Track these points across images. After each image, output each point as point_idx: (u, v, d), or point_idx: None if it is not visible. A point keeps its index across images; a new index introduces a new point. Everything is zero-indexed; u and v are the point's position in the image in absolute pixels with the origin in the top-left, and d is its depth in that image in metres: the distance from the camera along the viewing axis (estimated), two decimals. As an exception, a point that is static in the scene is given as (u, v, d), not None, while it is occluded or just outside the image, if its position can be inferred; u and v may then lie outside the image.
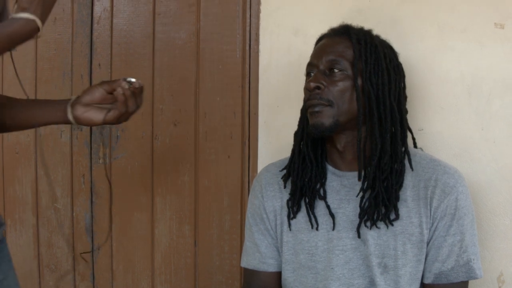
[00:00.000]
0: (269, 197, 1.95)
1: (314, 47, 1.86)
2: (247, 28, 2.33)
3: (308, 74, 1.82)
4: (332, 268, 1.81)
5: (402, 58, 1.83)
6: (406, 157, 1.79)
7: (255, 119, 2.34)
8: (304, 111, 1.85)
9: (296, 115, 1.89)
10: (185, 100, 2.43)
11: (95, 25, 2.52)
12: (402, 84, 1.83)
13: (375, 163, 1.75)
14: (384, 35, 1.85)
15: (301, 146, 1.88)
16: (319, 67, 1.76)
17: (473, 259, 1.75)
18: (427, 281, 1.77)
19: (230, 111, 2.38)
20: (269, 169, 2.01)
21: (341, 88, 1.74)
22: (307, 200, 1.85)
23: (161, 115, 2.45)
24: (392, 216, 1.75)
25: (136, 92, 1.69)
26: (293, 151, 1.90)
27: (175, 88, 2.44)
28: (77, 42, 2.54)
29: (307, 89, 1.77)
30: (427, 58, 2.06)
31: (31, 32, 1.45)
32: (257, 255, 1.94)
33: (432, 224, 1.75)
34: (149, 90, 2.46)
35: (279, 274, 1.94)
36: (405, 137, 1.81)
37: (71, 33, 2.55)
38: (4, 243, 1.68)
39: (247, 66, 2.34)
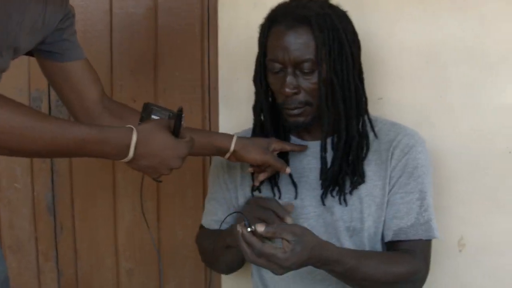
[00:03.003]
0: (231, 167, 1.96)
1: (269, 32, 1.78)
2: (206, 2, 2.31)
3: (272, 71, 1.77)
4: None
5: (360, 28, 1.82)
6: (368, 124, 1.83)
7: (215, 93, 2.33)
8: (259, 86, 1.85)
9: (255, 88, 1.89)
10: (144, 76, 2.41)
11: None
12: (360, 56, 1.84)
13: (340, 133, 1.78)
14: (341, 4, 1.83)
15: (262, 118, 1.89)
16: (287, 67, 1.72)
17: (432, 219, 1.79)
18: (387, 238, 1.80)
19: (190, 86, 2.37)
20: None
21: (315, 86, 1.73)
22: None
23: (121, 92, 2.43)
24: (358, 180, 1.79)
25: None
26: (254, 124, 1.91)
27: (133, 64, 2.42)
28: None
29: (282, 94, 1.74)
30: (384, 27, 2.08)
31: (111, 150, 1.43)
32: (215, 218, 1.98)
33: (389, 182, 1.79)
34: (108, 67, 2.43)
35: None
36: (366, 105, 1.83)
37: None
38: None
39: (206, 40, 2.33)
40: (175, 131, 1.53)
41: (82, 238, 2.56)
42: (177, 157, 1.53)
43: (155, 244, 2.42)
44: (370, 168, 1.81)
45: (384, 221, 1.80)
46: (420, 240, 1.77)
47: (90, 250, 2.56)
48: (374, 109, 1.91)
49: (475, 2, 1.99)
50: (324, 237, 1.76)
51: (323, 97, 1.73)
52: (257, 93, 1.88)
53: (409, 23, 2.05)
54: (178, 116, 1.52)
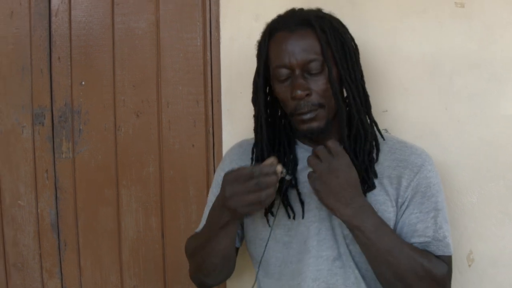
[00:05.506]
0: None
1: (271, 41, 1.77)
2: (207, 16, 2.30)
3: (279, 79, 1.74)
4: (304, 241, 1.81)
5: (362, 41, 1.82)
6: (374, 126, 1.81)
7: (218, 107, 2.32)
8: (259, 105, 1.82)
9: (260, 102, 1.86)
10: (147, 90, 2.40)
11: (53, 18, 2.47)
12: (359, 57, 1.82)
13: (352, 139, 1.76)
14: (343, 18, 1.81)
15: (265, 145, 1.84)
16: (295, 71, 1.70)
17: (448, 236, 1.77)
18: None
19: (193, 99, 2.35)
20: (242, 145, 2.01)
21: (325, 87, 1.71)
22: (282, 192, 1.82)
23: (123, 107, 2.42)
24: (369, 184, 1.76)
25: None
26: (257, 148, 1.87)
27: (136, 78, 2.41)
28: (36, 36, 2.49)
29: (293, 99, 1.71)
30: (387, 40, 2.05)
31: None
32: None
33: (403, 203, 1.76)
34: (111, 81, 2.43)
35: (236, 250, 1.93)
36: (370, 107, 1.81)
37: (29, 27, 2.51)
38: None
39: (208, 53, 2.32)
40: None
41: (86, 255, 2.54)
42: None
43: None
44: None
45: None
46: (444, 255, 1.75)
47: (94, 267, 2.53)
48: (379, 121, 1.86)
49: (479, 10, 1.97)
50: (330, 241, 1.77)
51: (338, 94, 1.71)
52: (256, 115, 1.85)
53: (412, 33, 2.03)
54: None
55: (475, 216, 2.03)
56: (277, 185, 1.58)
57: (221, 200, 1.64)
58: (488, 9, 1.96)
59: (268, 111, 1.83)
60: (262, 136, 1.82)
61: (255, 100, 1.84)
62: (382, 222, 1.69)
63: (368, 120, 1.80)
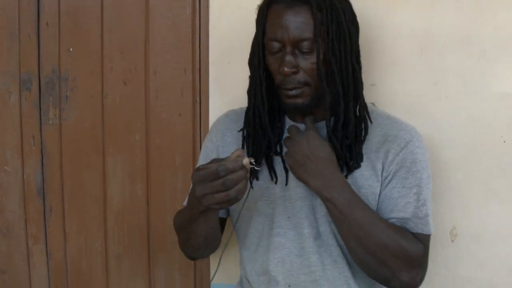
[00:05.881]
0: (226, 143, 1.94)
1: (269, 10, 1.74)
2: (197, -17, 2.28)
3: (270, 51, 1.73)
4: (288, 217, 1.82)
5: (355, 11, 1.79)
6: (364, 111, 1.79)
7: (206, 76, 2.30)
8: (255, 68, 1.79)
9: (247, 71, 1.85)
10: (134, 58, 2.38)
11: (41, -17, 2.45)
12: (358, 39, 1.80)
13: (338, 116, 1.75)
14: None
15: (256, 101, 1.83)
16: (286, 46, 1.69)
17: (429, 215, 1.76)
18: None
19: (181, 68, 2.34)
20: (228, 115, 2.01)
21: (313, 66, 1.69)
22: (266, 156, 1.85)
23: (111, 74, 2.40)
24: (354, 165, 1.77)
25: None
26: (248, 108, 1.86)
27: (124, 45, 2.39)
28: (24, 1, 2.46)
29: (280, 74, 1.70)
30: (379, 13, 2.04)
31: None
32: None
33: (387, 177, 1.76)
34: (99, 48, 2.41)
35: (222, 221, 1.95)
36: (362, 90, 1.79)
37: (16, -9, 2.48)
38: None
39: (197, 22, 2.30)
40: None
41: (71, 221, 2.54)
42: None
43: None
44: None
45: (381, 214, 1.76)
46: (422, 233, 1.75)
47: (79, 233, 2.54)
48: (366, 95, 1.84)
49: (472, -14, 1.95)
50: (310, 220, 1.78)
51: (323, 77, 1.69)
52: (252, 76, 1.83)
53: (404, 8, 2.02)
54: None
55: (460, 192, 2.03)
56: (248, 176, 1.55)
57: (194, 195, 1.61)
58: (481, -15, 1.95)
59: (264, 74, 1.80)
60: (256, 98, 1.81)
61: (251, 63, 1.83)
62: (355, 197, 1.69)
63: (357, 109, 1.78)
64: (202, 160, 1.98)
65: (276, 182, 1.84)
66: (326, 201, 1.68)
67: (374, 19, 2.03)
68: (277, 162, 1.84)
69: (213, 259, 2.29)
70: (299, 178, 1.72)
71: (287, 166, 1.77)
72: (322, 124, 1.79)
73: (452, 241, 2.06)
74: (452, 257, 2.07)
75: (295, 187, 1.81)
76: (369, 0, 2.02)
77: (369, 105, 1.83)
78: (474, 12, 1.96)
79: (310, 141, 1.71)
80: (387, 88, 2.06)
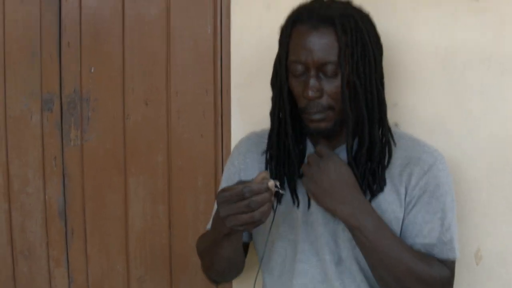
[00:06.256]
0: (248, 166, 1.92)
1: (293, 31, 1.71)
2: (218, 3, 2.27)
3: (294, 73, 1.71)
4: (311, 243, 1.80)
5: (379, 31, 1.78)
6: (389, 133, 1.77)
7: (228, 97, 2.29)
8: (278, 90, 1.77)
9: (269, 91, 1.83)
10: (156, 79, 2.37)
11: (63, 3, 2.44)
12: (382, 59, 1.78)
13: (363, 139, 1.72)
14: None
15: (279, 123, 1.81)
16: (310, 69, 1.66)
17: (454, 239, 1.74)
18: None
19: (202, 88, 2.33)
20: (250, 137, 1.99)
21: (338, 90, 1.67)
22: (289, 179, 1.82)
23: (132, 95, 2.40)
24: (378, 189, 1.74)
25: None
26: (271, 130, 1.84)
27: (146, 66, 2.38)
28: (45, 21, 2.46)
29: (305, 98, 1.68)
30: (401, 31, 2.02)
31: None
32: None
33: (410, 201, 1.73)
34: (120, 68, 2.40)
35: (245, 246, 1.93)
36: (386, 113, 1.77)
37: (39, 12, 2.47)
38: None
39: (218, 42, 2.29)
40: None
41: (93, 243, 2.52)
42: None
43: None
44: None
45: (405, 240, 1.74)
46: (448, 259, 1.73)
47: (101, 255, 2.52)
48: (389, 115, 1.82)
49: (495, 3, 1.93)
50: (331, 246, 1.76)
51: (347, 100, 1.67)
52: (275, 98, 1.80)
53: (426, 25, 2.00)
54: None
55: (484, 213, 2.00)
56: (273, 199, 1.54)
57: (218, 217, 1.60)
58: (503, 2, 1.92)
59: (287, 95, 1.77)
60: (280, 120, 1.79)
61: (274, 84, 1.81)
62: (382, 223, 1.67)
63: (380, 133, 1.75)
64: (224, 183, 1.97)
65: (298, 206, 1.82)
66: (353, 229, 1.66)
67: (395, 36, 2.01)
68: (300, 185, 1.81)
69: (236, 284, 2.28)
70: (325, 206, 1.69)
71: (310, 193, 1.73)
72: (340, 149, 1.78)
73: (477, 264, 2.03)
74: (478, 280, 2.04)
75: (317, 212, 1.79)
76: (389, 17, 2.00)
77: (391, 126, 1.80)
78: (496, 29, 1.94)
79: (337, 167, 1.67)
80: (409, 108, 2.04)
